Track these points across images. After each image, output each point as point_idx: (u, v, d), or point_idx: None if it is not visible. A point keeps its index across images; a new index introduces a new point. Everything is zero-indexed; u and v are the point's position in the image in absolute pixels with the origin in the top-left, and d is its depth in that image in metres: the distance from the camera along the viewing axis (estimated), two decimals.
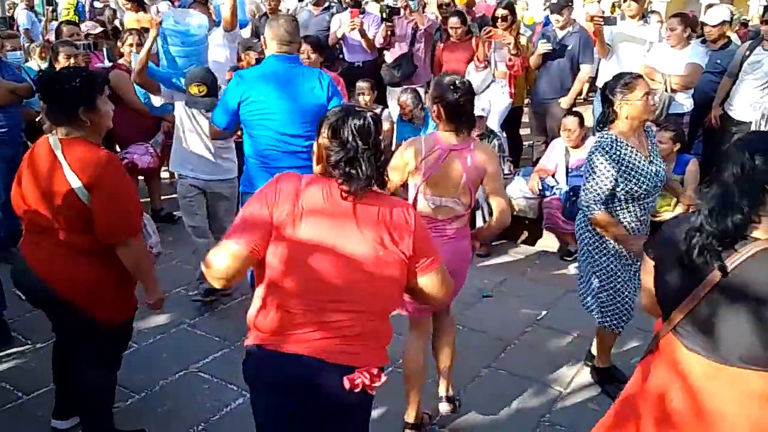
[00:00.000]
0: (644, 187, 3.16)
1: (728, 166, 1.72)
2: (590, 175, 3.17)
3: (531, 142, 6.83)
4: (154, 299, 2.92)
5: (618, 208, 3.23)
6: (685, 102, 5.58)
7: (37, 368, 3.29)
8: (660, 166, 3.27)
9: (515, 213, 5.47)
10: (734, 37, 6.87)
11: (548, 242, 5.59)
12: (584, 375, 3.75)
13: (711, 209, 1.72)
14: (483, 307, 4.56)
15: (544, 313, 4.44)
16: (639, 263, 3.18)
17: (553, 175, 5.32)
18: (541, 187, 5.26)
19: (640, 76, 3.26)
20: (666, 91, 5.37)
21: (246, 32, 7.10)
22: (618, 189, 3.16)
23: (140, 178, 5.81)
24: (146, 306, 2.97)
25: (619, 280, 3.33)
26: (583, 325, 4.09)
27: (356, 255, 1.95)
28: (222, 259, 1.96)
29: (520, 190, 5.44)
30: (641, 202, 3.23)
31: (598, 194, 3.14)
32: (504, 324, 4.28)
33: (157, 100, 4.53)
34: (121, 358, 3.06)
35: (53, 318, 2.95)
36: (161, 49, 4.33)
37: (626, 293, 3.36)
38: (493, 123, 6.11)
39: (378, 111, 6.05)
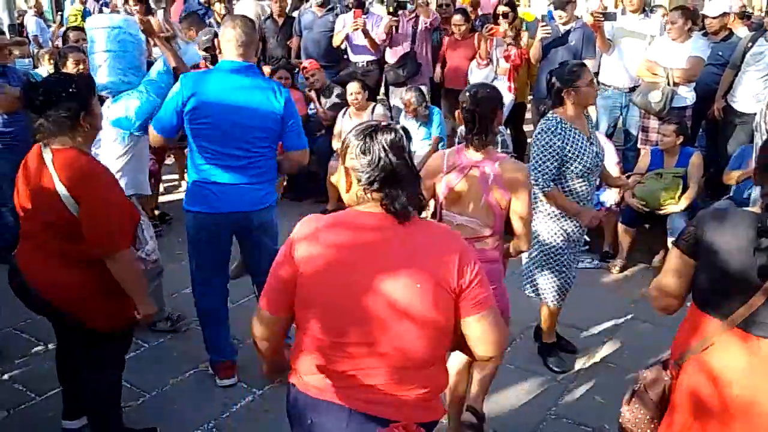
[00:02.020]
0: (587, 165, 3.39)
1: None
2: (538, 155, 3.37)
3: None
4: (143, 314, 2.78)
5: (564, 185, 3.44)
6: (687, 95, 5.58)
7: (49, 370, 3.34)
8: (599, 148, 3.52)
9: None
10: (743, 29, 6.80)
11: None
12: (590, 367, 3.79)
13: None
14: None
15: None
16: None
17: None
18: None
19: (584, 65, 3.53)
20: (668, 84, 5.39)
21: None
22: (564, 167, 3.37)
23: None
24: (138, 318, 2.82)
25: (564, 258, 3.56)
26: (587, 317, 4.12)
27: (385, 291, 1.74)
28: (259, 329, 1.96)
29: None
30: (584, 180, 3.44)
31: (547, 173, 3.35)
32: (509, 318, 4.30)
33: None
34: (124, 361, 3.06)
35: (52, 322, 2.96)
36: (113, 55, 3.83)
37: (570, 271, 3.64)
38: None
39: (373, 107, 6.09)
